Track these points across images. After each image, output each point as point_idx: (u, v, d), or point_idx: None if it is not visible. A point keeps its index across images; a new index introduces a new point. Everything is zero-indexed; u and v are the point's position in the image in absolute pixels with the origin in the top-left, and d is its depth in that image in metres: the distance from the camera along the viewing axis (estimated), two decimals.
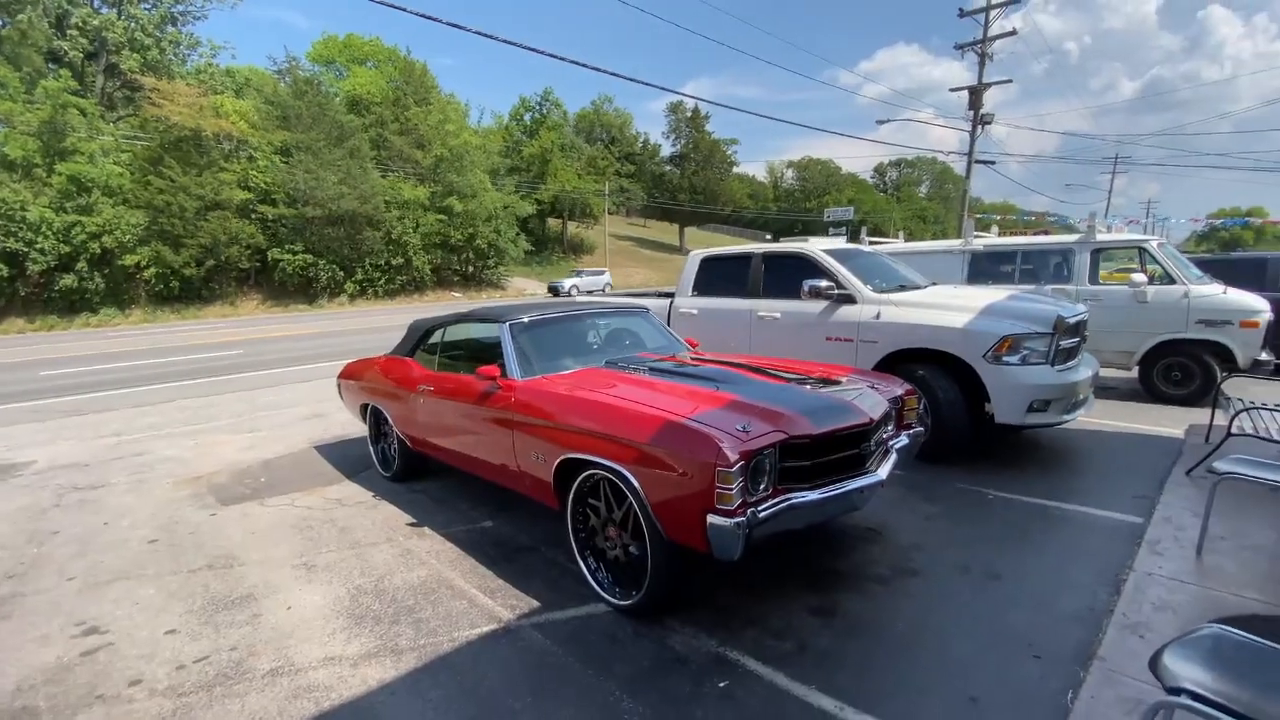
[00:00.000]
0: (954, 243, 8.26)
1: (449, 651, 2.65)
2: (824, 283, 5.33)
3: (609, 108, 50.98)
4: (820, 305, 5.47)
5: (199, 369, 11.44)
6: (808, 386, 3.18)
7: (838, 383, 3.35)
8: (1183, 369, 6.81)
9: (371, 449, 5.15)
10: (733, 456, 2.34)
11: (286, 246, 25.31)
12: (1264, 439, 3.97)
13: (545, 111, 41.58)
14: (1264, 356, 6.45)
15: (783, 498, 2.54)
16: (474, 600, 3.07)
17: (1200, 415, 5.46)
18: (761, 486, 2.50)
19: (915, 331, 4.92)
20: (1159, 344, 6.76)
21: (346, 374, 5.48)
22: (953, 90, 25.26)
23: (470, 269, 31.53)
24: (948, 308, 4.94)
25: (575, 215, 42.58)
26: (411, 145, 30.19)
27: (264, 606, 3.08)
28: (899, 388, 3.57)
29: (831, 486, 2.68)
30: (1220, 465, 3.30)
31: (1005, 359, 4.57)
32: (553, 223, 43.77)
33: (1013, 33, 23.52)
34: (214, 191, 23.90)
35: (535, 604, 3.01)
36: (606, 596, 2.95)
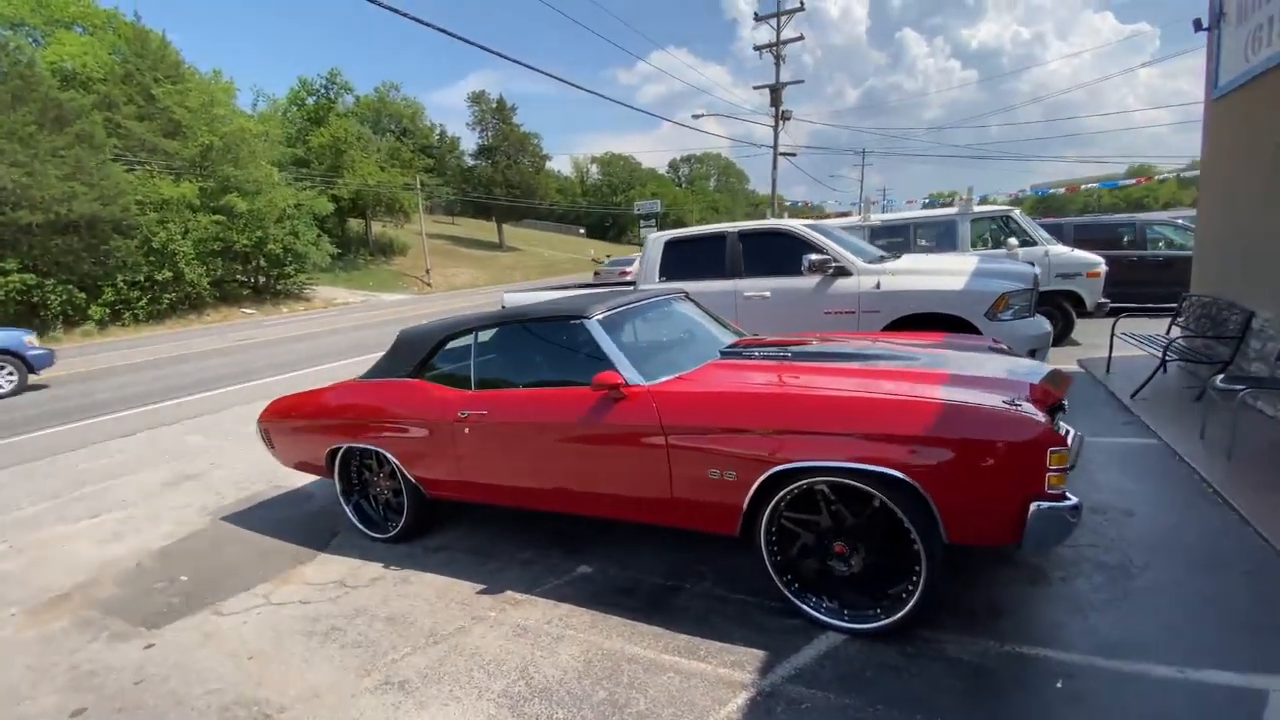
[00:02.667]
0: (855, 219, 8.95)
1: None
2: (820, 257, 5.29)
3: (396, 96, 46.69)
4: (814, 280, 5.42)
5: None
6: (979, 353, 3.02)
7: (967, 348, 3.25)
8: (1047, 315, 8.14)
9: (345, 506, 3.92)
10: (1064, 433, 2.06)
11: None
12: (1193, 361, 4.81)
13: (333, 95, 36.59)
14: (1102, 300, 7.97)
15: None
16: (679, 669, 2.40)
17: (1066, 353, 6.93)
18: None
19: (919, 298, 5.09)
20: None
21: (281, 413, 4.12)
22: (756, 88, 27.51)
23: (262, 279, 26.61)
24: (942, 273, 5.19)
25: (379, 213, 38.38)
26: (157, 133, 24.47)
27: None
28: (990, 341, 3.60)
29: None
30: (1222, 383, 3.89)
31: (1001, 315, 4.93)
32: (353, 223, 38.97)
33: (800, 38, 26.30)
34: None
35: (756, 653, 2.44)
36: (837, 623, 2.49)
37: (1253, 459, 3.66)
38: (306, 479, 5.06)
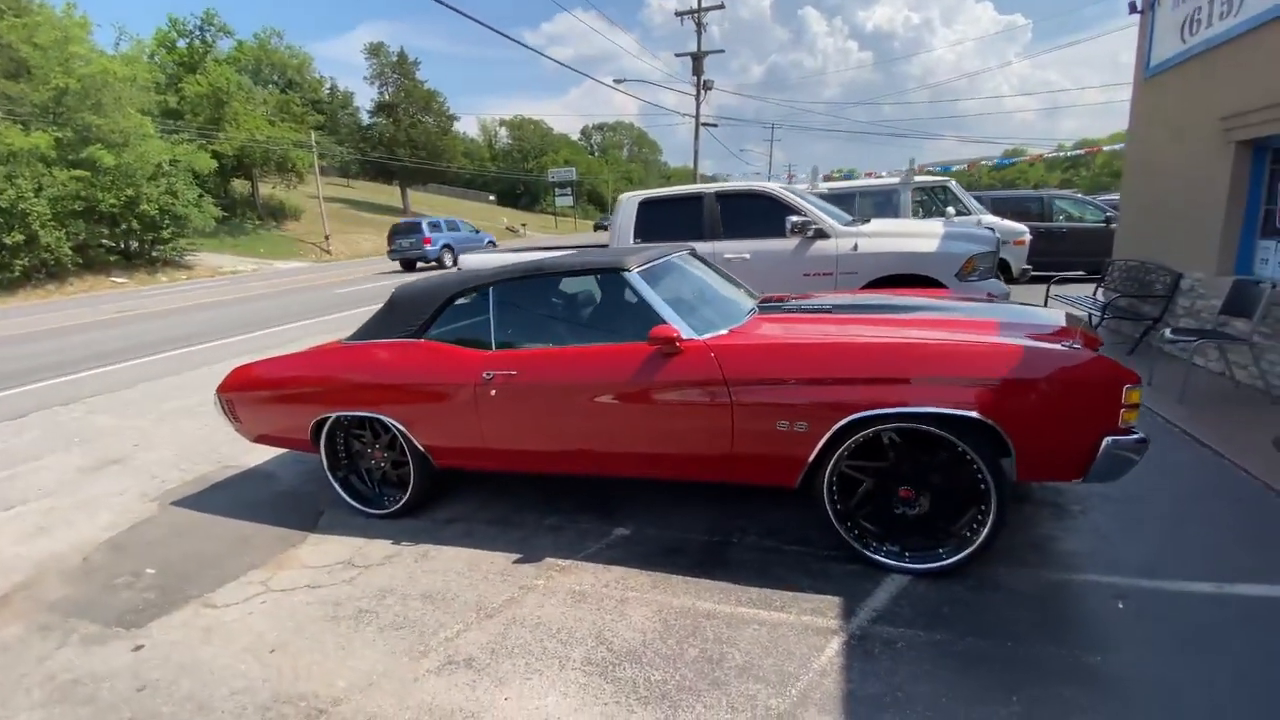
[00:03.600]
0: (803, 186, 9.15)
1: (840, 691, 1.99)
2: (802, 219, 5.35)
3: (279, 44, 42.18)
4: (794, 242, 5.48)
5: None
6: (999, 305, 3.16)
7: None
8: None
9: (335, 482, 3.56)
10: (1136, 373, 2.19)
11: None
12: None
13: (209, 39, 32.31)
14: (1026, 266, 8.67)
15: None
16: (761, 620, 2.37)
17: None
18: None
19: (896, 259, 5.26)
20: None
21: (250, 382, 3.65)
22: (678, 55, 27.27)
23: (135, 244, 23.43)
24: (915, 235, 5.40)
25: (268, 173, 34.76)
26: None
27: None
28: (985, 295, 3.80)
29: None
30: (1172, 335, 4.34)
31: (969, 277, 5.22)
32: (238, 183, 35.08)
33: (721, 5, 26.27)
34: None
35: (831, 600, 2.46)
36: (901, 565, 2.55)
37: (1200, 402, 4.13)
38: (260, 457, 4.56)
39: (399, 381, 3.20)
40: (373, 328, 3.47)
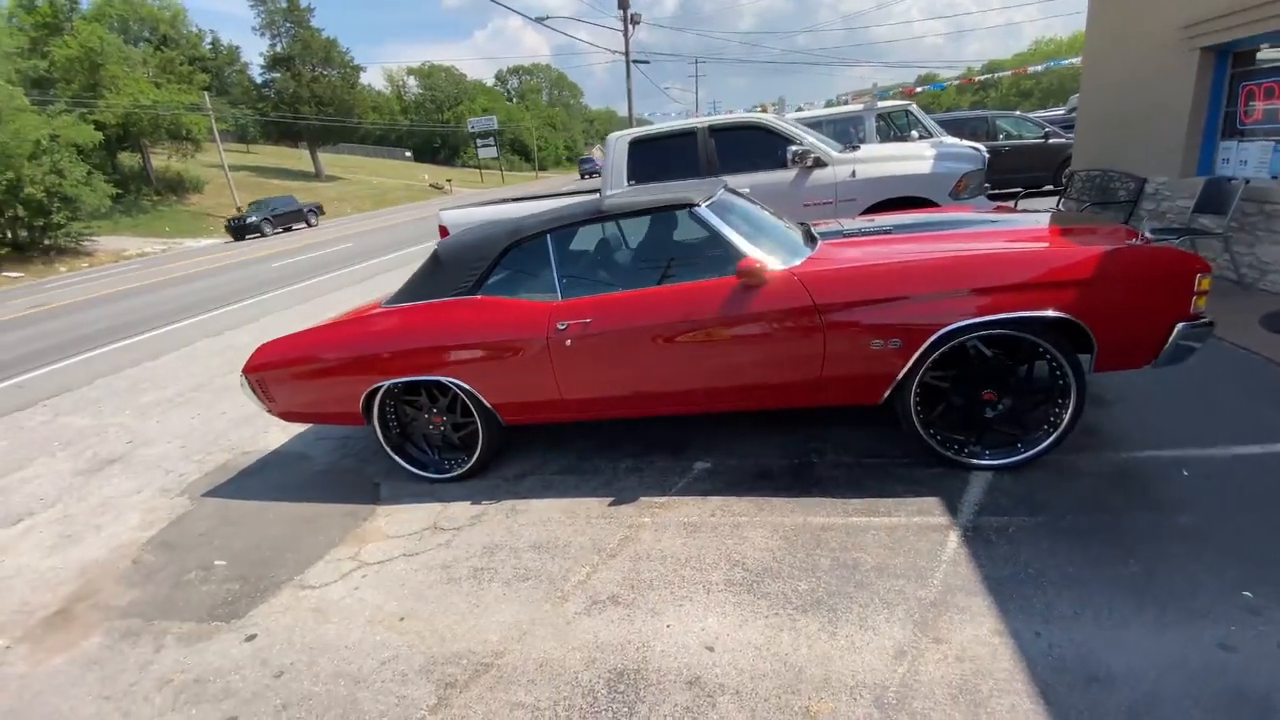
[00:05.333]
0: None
1: (976, 575, 2.17)
2: (801, 148, 5.37)
3: None
4: (792, 173, 5.51)
5: None
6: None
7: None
8: None
9: (391, 451, 3.46)
10: (1206, 261, 2.38)
11: None
12: None
13: None
14: (985, 184, 9.06)
15: None
16: (875, 526, 2.51)
17: None
18: None
19: (892, 183, 5.40)
20: None
21: (283, 358, 3.45)
22: None
23: (22, 234, 20.91)
24: (908, 158, 5.53)
25: (158, 142, 31.38)
26: None
27: (685, 667, 1.98)
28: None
29: None
30: (1151, 234, 4.67)
31: (962, 195, 5.43)
32: (125, 156, 31.55)
33: None
34: None
35: (931, 500, 2.63)
36: (985, 462, 2.75)
37: None
38: (279, 439, 4.37)
39: (461, 341, 3.09)
40: (418, 287, 3.31)
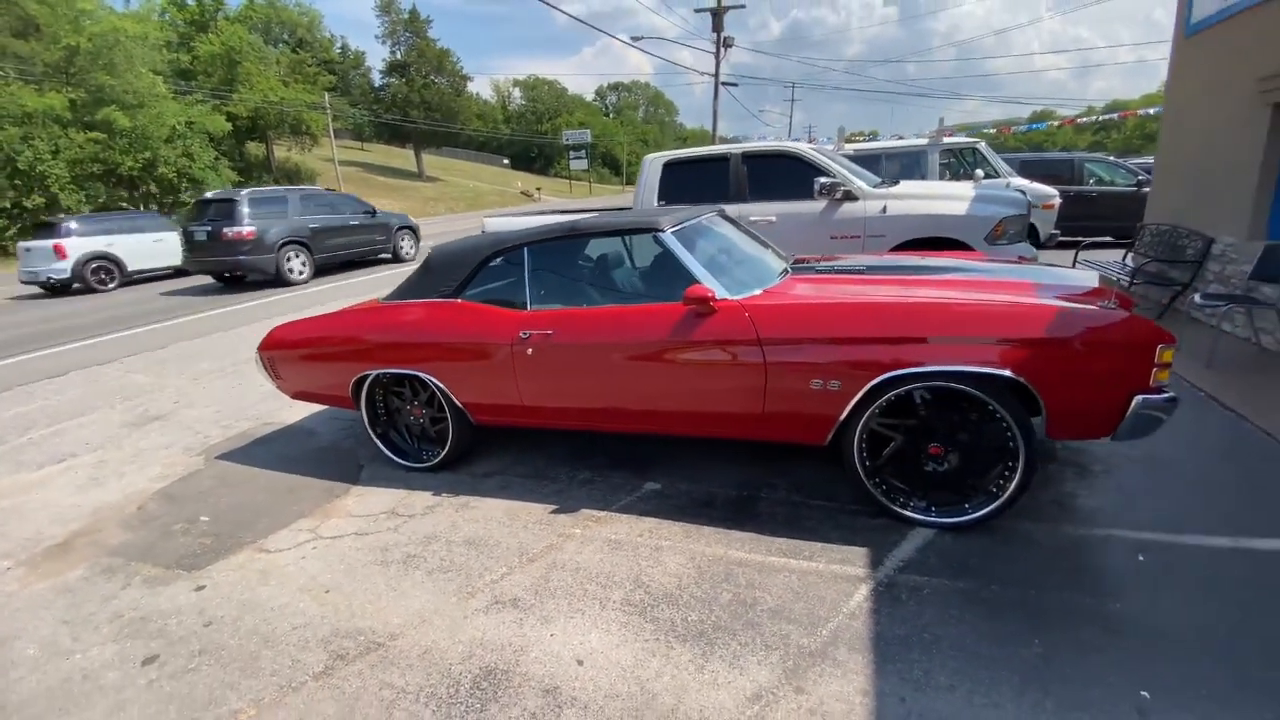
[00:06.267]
0: (829, 148, 8.97)
1: (868, 632, 2.10)
2: (830, 180, 5.30)
3: (289, 1, 41.43)
4: (821, 204, 5.44)
5: None
6: (1030, 267, 3.16)
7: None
8: None
9: (375, 437, 3.69)
10: (1170, 333, 2.21)
11: None
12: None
13: None
14: (1054, 231, 8.52)
15: None
16: (791, 568, 2.48)
17: None
18: None
19: (924, 222, 5.22)
20: None
21: (291, 341, 3.77)
22: (697, 11, 26.40)
23: (153, 208, 23.65)
24: (945, 197, 5.34)
25: (282, 136, 34.60)
26: (3, 31, 20.60)
27: (549, 675, 2.04)
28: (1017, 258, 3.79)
29: None
30: (1202, 300, 4.29)
31: (999, 241, 5.17)
32: (253, 146, 34.99)
33: None
34: None
35: (859, 550, 2.55)
36: (927, 519, 2.64)
37: (1227, 367, 4.12)
38: (299, 414, 4.73)
39: (437, 340, 3.29)
40: (410, 288, 3.55)
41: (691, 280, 2.81)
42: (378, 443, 3.69)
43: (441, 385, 3.32)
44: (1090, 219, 10.01)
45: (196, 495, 3.60)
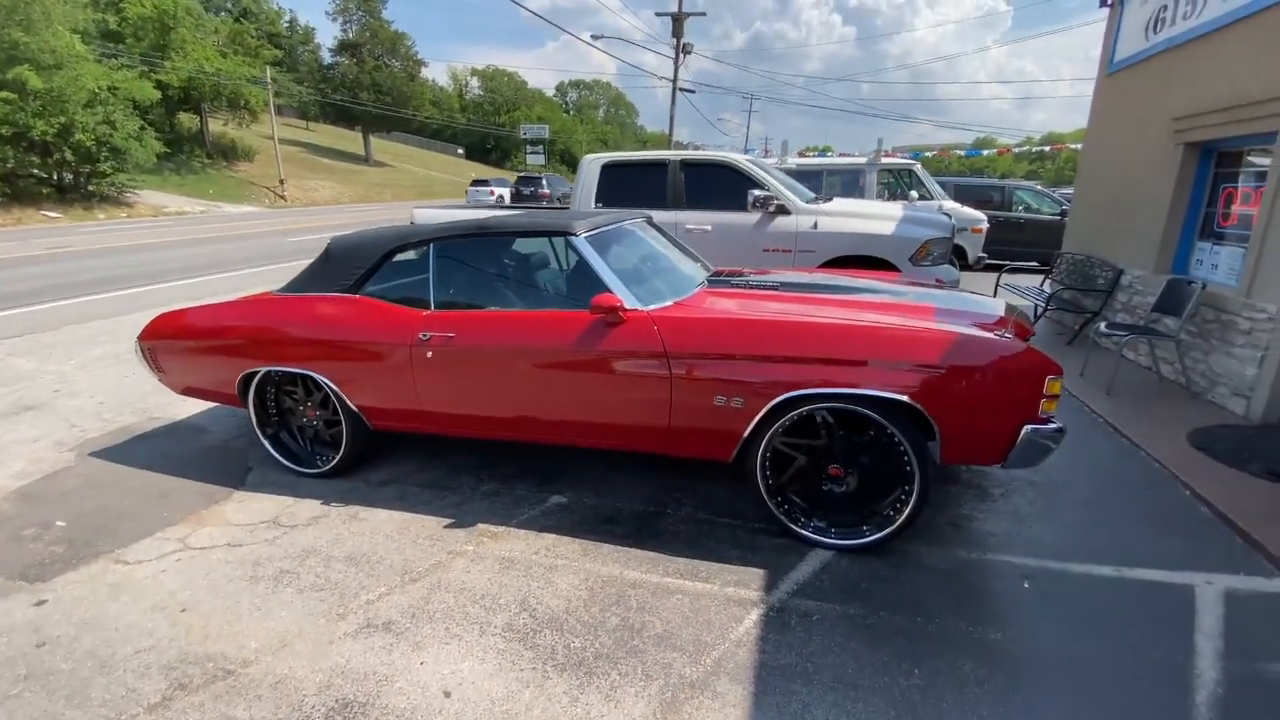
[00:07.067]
0: (773, 160, 9.07)
1: (753, 661, 2.04)
2: (764, 193, 5.30)
3: None
4: (755, 217, 5.44)
5: None
6: (941, 290, 3.19)
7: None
8: None
9: (264, 439, 3.44)
10: (1058, 364, 2.24)
11: None
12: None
13: None
14: (981, 254, 8.85)
15: None
16: (685, 590, 2.40)
17: None
18: None
19: (853, 240, 5.29)
20: None
21: (174, 330, 3.47)
22: (659, 15, 26.42)
23: (68, 177, 21.91)
24: (874, 216, 5.42)
25: (218, 109, 32.69)
26: None
27: (410, 709, 1.89)
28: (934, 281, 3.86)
29: None
30: (1106, 329, 4.49)
31: (922, 261, 5.29)
32: (185, 118, 32.91)
33: None
34: None
35: (756, 572, 2.50)
36: (827, 540, 2.61)
37: (1127, 394, 4.31)
38: (191, 409, 4.39)
39: (332, 338, 3.07)
40: (307, 280, 3.32)
41: (601, 287, 2.71)
42: (267, 445, 3.44)
43: (335, 387, 3.11)
44: (1016, 244, 10.46)
45: (57, 496, 3.26)
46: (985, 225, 8.64)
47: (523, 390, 2.83)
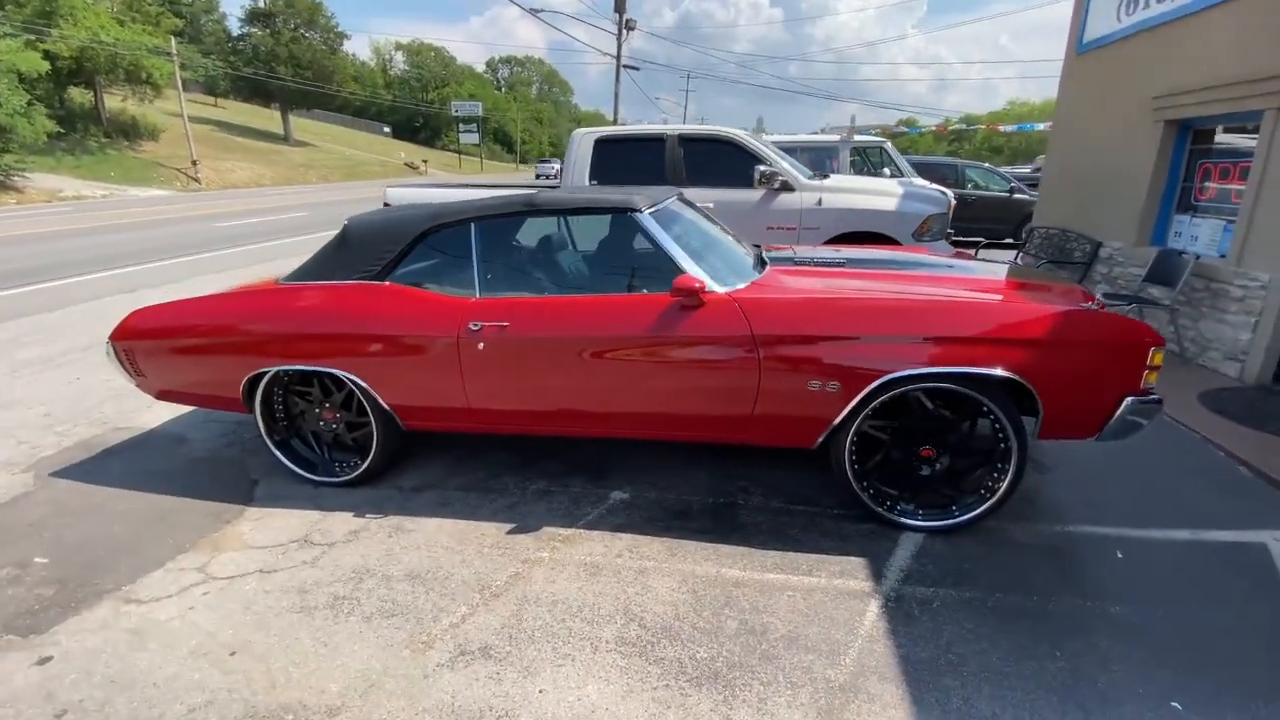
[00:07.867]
0: None
1: (894, 657, 1.93)
2: (769, 169, 5.19)
3: None
4: (758, 194, 5.32)
5: None
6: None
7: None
8: None
9: (273, 446, 3.06)
10: (1161, 336, 2.23)
11: None
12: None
13: None
14: (949, 231, 9.11)
15: None
16: (792, 586, 2.28)
17: None
18: None
19: (858, 216, 5.26)
20: None
21: (158, 328, 3.04)
22: None
23: None
24: (877, 193, 5.41)
25: (115, 83, 29.53)
26: None
27: None
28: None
29: None
30: (1103, 298, 4.64)
31: (924, 237, 5.34)
32: (76, 93, 29.59)
33: None
34: None
35: (855, 561, 2.41)
36: (916, 523, 2.55)
37: None
38: (162, 415, 3.90)
39: (360, 331, 2.73)
40: (321, 266, 2.94)
41: (676, 269, 2.51)
42: (277, 453, 3.06)
43: (364, 384, 2.77)
44: (968, 220, 10.85)
45: (26, 528, 2.79)
46: (953, 202, 8.87)
47: (587, 381, 2.60)
